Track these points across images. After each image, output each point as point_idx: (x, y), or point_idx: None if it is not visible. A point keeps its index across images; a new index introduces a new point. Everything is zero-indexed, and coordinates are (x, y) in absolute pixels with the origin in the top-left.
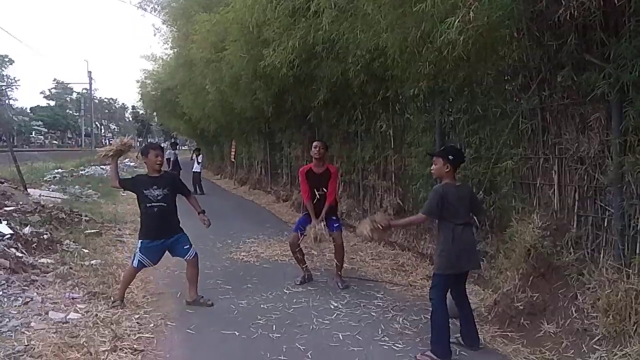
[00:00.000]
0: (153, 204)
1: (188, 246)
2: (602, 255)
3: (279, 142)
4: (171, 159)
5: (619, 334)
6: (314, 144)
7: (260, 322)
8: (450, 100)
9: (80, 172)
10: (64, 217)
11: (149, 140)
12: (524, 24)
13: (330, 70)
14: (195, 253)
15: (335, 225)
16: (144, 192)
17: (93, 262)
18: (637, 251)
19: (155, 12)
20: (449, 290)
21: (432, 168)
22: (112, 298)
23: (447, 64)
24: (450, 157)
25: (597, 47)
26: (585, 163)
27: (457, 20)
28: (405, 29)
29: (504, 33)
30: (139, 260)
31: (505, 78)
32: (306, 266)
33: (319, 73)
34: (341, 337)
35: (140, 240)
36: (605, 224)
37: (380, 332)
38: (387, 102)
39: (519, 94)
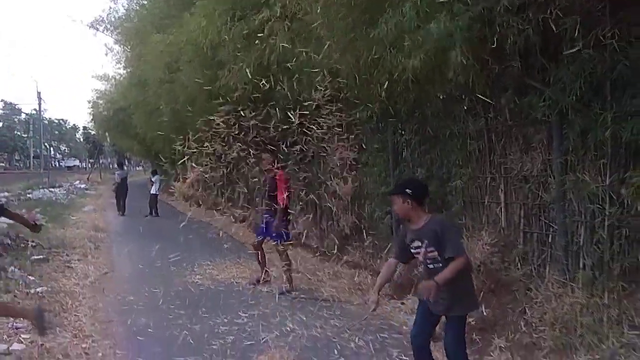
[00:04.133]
0: None
1: None
2: (547, 270)
3: (235, 163)
4: (116, 180)
5: (565, 347)
6: (262, 156)
7: (214, 346)
8: (403, 121)
9: (28, 196)
10: (9, 242)
11: (100, 162)
12: (470, 49)
13: (285, 92)
14: None
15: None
16: None
17: (39, 289)
18: (581, 266)
19: (107, 31)
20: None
21: (394, 209)
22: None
23: (398, 86)
24: (408, 190)
25: (538, 72)
26: (529, 182)
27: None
28: (357, 52)
29: (454, 60)
30: None
31: (456, 99)
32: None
33: (275, 95)
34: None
35: None
36: (550, 240)
37: (336, 353)
38: (341, 123)
39: (467, 116)
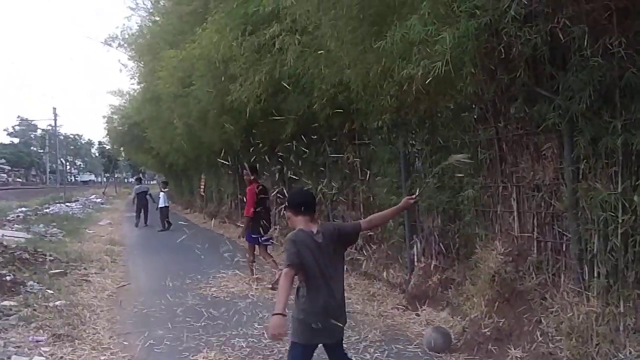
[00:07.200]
0: None
1: None
2: (562, 279)
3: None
4: (133, 194)
5: (582, 357)
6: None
7: (231, 359)
8: (413, 132)
9: (45, 210)
10: (28, 257)
11: (116, 176)
12: (478, 59)
13: (296, 104)
14: None
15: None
16: None
17: (58, 303)
18: (595, 274)
19: (121, 48)
20: None
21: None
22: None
23: (408, 97)
24: (286, 203)
25: (547, 80)
26: (541, 190)
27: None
28: (367, 64)
29: (463, 69)
30: None
31: (464, 110)
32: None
33: (286, 107)
34: None
35: None
36: (564, 249)
37: None
38: (353, 134)
39: (477, 125)
